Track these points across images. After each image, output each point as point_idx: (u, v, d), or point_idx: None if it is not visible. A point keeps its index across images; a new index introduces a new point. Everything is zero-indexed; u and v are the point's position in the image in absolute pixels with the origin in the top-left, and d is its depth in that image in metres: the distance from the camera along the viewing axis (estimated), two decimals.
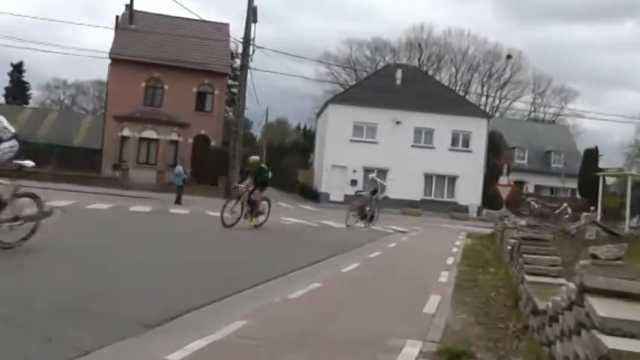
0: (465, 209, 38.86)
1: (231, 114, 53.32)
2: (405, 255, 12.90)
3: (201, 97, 40.11)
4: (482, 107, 60.94)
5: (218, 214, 14.48)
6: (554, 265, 6.39)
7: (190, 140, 38.91)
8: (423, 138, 42.28)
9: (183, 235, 12.48)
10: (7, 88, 62.70)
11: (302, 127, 77.80)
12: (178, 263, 8.38)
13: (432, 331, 5.54)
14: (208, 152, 37.84)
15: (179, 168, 26.73)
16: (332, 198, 40.00)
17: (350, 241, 14.24)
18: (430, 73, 59.34)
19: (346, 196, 39.69)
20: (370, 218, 19.35)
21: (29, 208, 7.87)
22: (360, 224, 19.01)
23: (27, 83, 64.77)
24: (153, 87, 39.35)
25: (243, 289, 6.84)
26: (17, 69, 62.89)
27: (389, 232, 19.63)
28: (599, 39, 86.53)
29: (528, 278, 6.17)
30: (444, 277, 9.38)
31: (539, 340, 4.89)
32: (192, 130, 38.93)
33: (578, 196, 43.35)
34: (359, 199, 20.44)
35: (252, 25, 33.42)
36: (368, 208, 19.36)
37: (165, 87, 39.26)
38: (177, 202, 24.54)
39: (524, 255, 6.90)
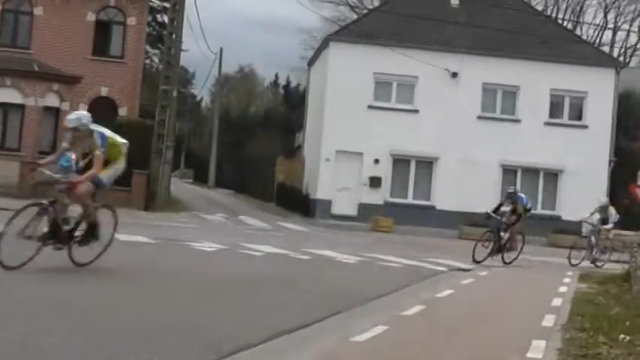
0: (574, 228, 38.77)
1: (156, 61, 53.06)
2: (466, 310, 12.81)
3: (102, 30, 39.92)
4: (607, 49, 60.93)
5: (134, 238, 14.34)
6: None
7: (83, 107, 38.66)
8: (500, 103, 42.18)
9: None
10: None
11: (281, 83, 77.79)
12: None
13: None
14: (115, 128, 37.64)
15: (70, 156, 26.51)
16: (336, 210, 39.97)
17: (370, 287, 14.33)
18: None
19: (362, 207, 39.65)
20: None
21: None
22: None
23: None
24: (14, 12, 39.20)
25: None
26: None
27: (440, 270, 19.53)
28: None
29: None
30: (537, 350, 9.27)
31: None
32: (87, 89, 38.76)
33: None
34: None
35: None
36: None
37: (36, 12, 39.11)
38: None
39: None
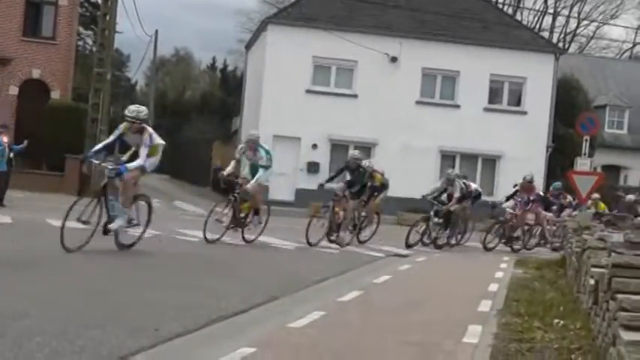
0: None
1: (90, 43, 52.56)
2: (403, 296, 12.95)
3: (33, 10, 39.48)
4: (546, 35, 61.51)
5: (66, 223, 14.28)
6: None
7: (13, 90, 38.35)
8: (439, 89, 42.52)
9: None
10: None
11: (219, 67, 77.50)
12: None
13: None
14: (47, 112, 37.37)
15: (1, 139, 26.24)
16: (273, 196, 39.91)
17: (307, 273, 14.34)
18: None
19: (299, 192, 39.66)
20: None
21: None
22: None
23: None
24: None
25: None
26: None
27: (378, 255, 19.66)
28: None
29: (626, 336, 6.22)
30: (473, 335, 9.42)
31: None
32: (17, 71, 38.35)
33: None
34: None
35: None
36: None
37: None
38: None
39: (619, 295, 6.95)
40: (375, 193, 22.69)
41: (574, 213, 26.01)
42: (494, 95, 43.04)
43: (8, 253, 13.62)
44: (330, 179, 22.91)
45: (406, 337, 9.23)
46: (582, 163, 26.97)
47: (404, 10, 41.88)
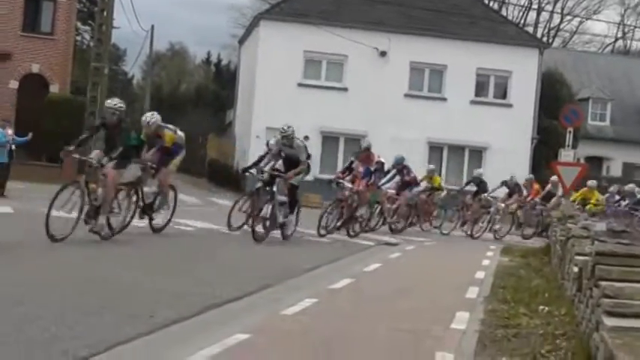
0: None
1: (88, 38, 52.37)
2: (393, 284, 12.96)
3: (32, 6, 39.32)
4: (531, 30, 61.53)
5: (64, 213, 14.24)
6: None
7: (13, 84, 38.23)
8: (427, 82, 42.49)
9: None
10: None
11: (213, 61, 77.37)
12: None
13: None
14: (46, 105, 37.27)
15: (4, 131, 26.08)
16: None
17: (300, 262, 14.36)
18: None
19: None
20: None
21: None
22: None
23: None
24: None
25: None
26: None
27: (368, 244, 19.70)
28: None
29: (609, 322, 6.23)
30: (460, 321, 9.46)
31: None
32: (17, 65, 38.20)
33: None
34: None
35: None
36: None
37: None
38: None
39: (602, 282, 6.96)
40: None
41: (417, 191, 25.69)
42: (480, 88, 43.00)
43: (6, 241, 13.59)
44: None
45: (396, 324, 9.26)
46: (566, 155, 27.01)
47: (393, 5, 41.83)
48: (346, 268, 14.39)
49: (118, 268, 11.85)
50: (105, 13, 34.87)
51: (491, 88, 43.11)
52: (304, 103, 40.38)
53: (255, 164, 20.12)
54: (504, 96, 43.10)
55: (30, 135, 27.50)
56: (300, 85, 41.25)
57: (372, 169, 21.89)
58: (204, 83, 72.53)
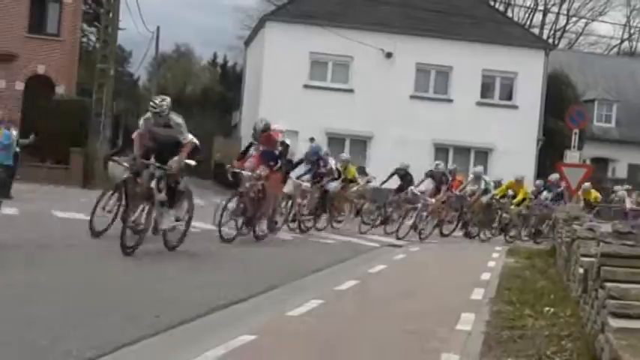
0: None
1: (93, 39, 52.41)
2: (398, 285, 12.96)
3: (38, 7, 39.37)
4: (537, 31, 61.46)
5: (71, 214, 14.27)
6: None
7: (19, 85, 38.27)
8: (433, 83, 42.48)
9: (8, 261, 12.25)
10: None
11: (219, 62, 77.42)
12: None
13: None
14: (52, 106, 37.30)
15: (10, 133, 26.05)
16: None
17: (305, 263, 14.37)
18: None
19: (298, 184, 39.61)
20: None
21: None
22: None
23: None
24: None
25: None
26: None
27: (373, 245, 19.69)
28: None
29: (614, 323, 6.22)
30: (466, 322, 9.45)
31: None
32: (23, 67, 38.24)
33: None
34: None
35: None
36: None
37: None
38: (2, 194, 24.18)
39: (608, 284, 6.94)
40: None
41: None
42: (486, 90, 42.99)
43: (11, 242, 13.60)
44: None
45: (401, 325, 9.25)
46: (572, 156, 26.99)
47: (399, 6, 41.79)
48: (351, 269, 14.40)
49: (120, 270, 11.86)
50: (111, 15, 35.00)
51: (496, 90, 43.09)
52: (310, 104, 40.37)
53: (120, 151, 17.79)
54: (510, 97, 43.06)
55: (32, 136, 27.51)
56: (305, 86, 41.24)
57: (277, 152, 17.82)
58: (210, 85, 72.56)
